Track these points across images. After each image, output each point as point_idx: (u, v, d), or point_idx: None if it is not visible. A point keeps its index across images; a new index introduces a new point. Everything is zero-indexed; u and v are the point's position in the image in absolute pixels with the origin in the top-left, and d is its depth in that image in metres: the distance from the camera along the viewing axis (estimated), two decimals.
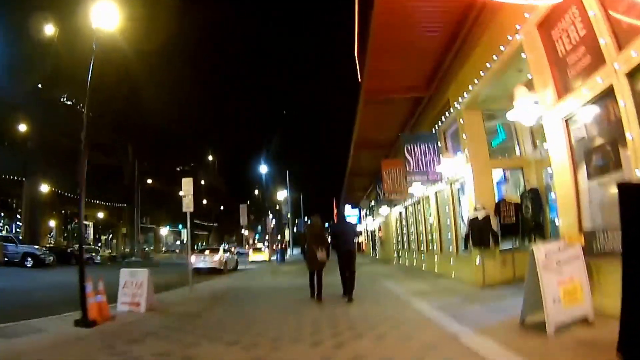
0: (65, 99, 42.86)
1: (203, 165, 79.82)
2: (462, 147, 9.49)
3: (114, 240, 63.28)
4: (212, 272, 19.49)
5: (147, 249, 56.77)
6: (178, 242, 75.03)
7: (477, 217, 8.53)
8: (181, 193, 11.38)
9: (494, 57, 7.41)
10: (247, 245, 64.89)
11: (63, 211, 51.75)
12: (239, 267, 24.22)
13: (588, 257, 4.81)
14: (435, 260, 12.34)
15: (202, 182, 78.07)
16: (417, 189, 12.70)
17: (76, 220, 52.48)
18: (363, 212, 36.44)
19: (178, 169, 69.02)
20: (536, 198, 8.28)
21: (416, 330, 5.21)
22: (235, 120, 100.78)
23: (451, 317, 5.75)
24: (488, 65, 7.71)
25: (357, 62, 10.86)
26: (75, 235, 52.70)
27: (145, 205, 59.29)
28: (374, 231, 28.88)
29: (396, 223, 19.07)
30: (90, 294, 6.51)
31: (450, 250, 11.13)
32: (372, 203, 27.53)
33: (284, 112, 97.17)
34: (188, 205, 11.11)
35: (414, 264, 15.22)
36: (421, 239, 14.42)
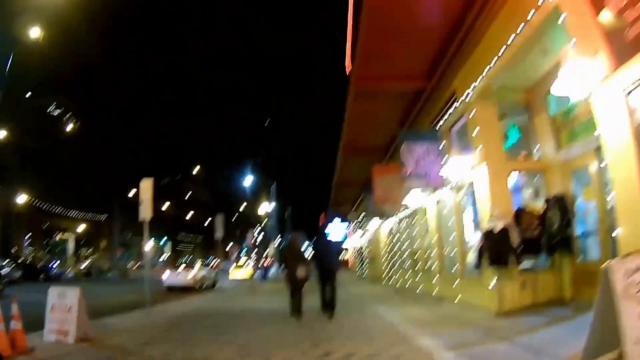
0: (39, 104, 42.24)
1: (189, 177, 78.54)
2: (473, 146, 7.97)
3: (95, 255, 60.53)
4: (186, 290, 17.88)
5: (127, 264, 53.69)
6: (162, 259, 72.67)
7: (492, 230, 6.95)
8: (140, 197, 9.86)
9: (518, 29, 5.95)
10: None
11: (44, 225, 49.86)
12: (217, 285, 22.43)
13: None
14: (434, 281, 10.72)
15: (188, 194, 78.19)
16: (414, 198, 11.19)
17: (56, 234, 51.36)
18: (351, 227, 34.73)
19: (164, 181, 66.51)
20: (563, 207, 6.77)
21: None
22: (222, 131, 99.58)
23: None
24: (508, 42, 6.25)
25: (348, 46, 9.24)
26: (57, 250, 51.56)
27: (127, 218, 57.44)
28: (362, 247, 27.17)
29: (387, 238, 17.47)
30: None
31: (454, 269, 9.53)
32: (361, 216, 25.91)
33: (267, 120, 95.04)
34: (145, 211, 9.55)
35: (408, 285, 13.59)
36: (416, 256, 12.83)
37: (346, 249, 44.34)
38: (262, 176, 52.56)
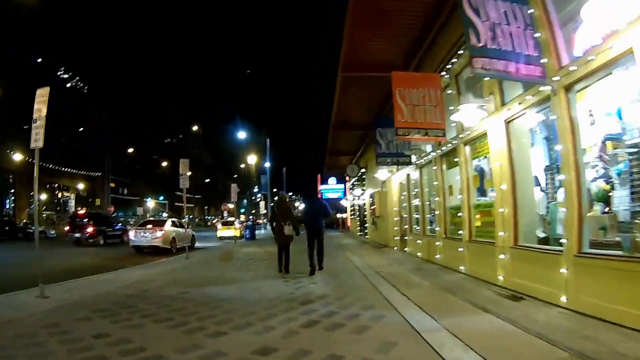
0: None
1: (190, 136, 79.59)
2: None
3: None
4: (157, 252, 15.84)
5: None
6: (164, 214, 71.18)
7: None
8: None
9: None
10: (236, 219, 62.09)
11: (48, 185, 50.78)
12: (197, 245, 19.98)
13: None
14: (501, 256, 6.46)
15: (189, 153, 76.87)
16: (469, 114, 6.83)
17: (60, 194, 50.75)
18: (349, 184, 30.48)
19: (166, 140, 72.57)
20: None
21: None
22: (221, 90, 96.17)
23: None
24: None
25: None
26: (62, 209, 51.24)
27: (129, 176, 59.06)
28: (363, 206, 22.90)
29: (400, 193, 13.21)
30: None
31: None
32: (363, 170, 21.57)
33: (248, 71, 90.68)
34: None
35: (438, 256, 9.43)
36: (458, 217, 8.58)
37: (341, 211, 40.63)
38: (257, 134, 49.33)
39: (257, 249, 16.94)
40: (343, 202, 39.07)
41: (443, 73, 8.48)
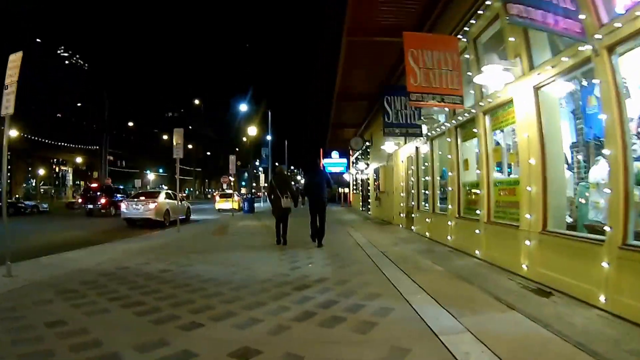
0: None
1: (192, 110, 79.80)
2: None
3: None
4: (150, 224, 15.40)
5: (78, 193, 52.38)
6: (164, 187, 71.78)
7: None
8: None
9: None
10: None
11: (51, 160, 51.63)
12: (192, 218, 19.54)
13: None
14: (528, 242, 5.68)
15: (190, 127, 77.11)
16: (494, 76, 5.93)
17: (57, 168, 50.83)
18: (352, 158, 29.59)
19: (168, 114, 73.25)
20: None
21: None
22: (223, 63, 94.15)
23: None
24: None
25: None
26: (60, 183, 51.34)
27: (128, 150, 59.35)
28: (367, 180, 22.08)
29: (408, 167, 12.37)
30: None
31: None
32: (367, 143, 20.65)
33: (247, 45, 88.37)
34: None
35: (444, 236, 8.69)
36: (475, 194, 7.78)
37: (343, 185, 39.90)
38: (259, 106, 48.74)
39: (254, 222, 16.28)
40: (345, 176, 38.35)
41: (459, 37, 7.51)
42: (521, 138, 5.89)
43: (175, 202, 17.49)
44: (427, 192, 10.23)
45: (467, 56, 7.53)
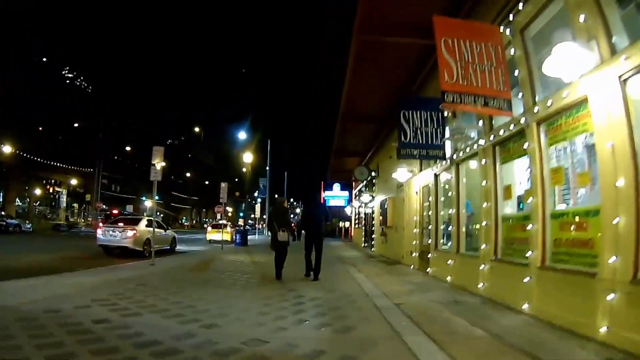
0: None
1: (192, 138, 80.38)
2: None
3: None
4: (129, 254, 13.53)
5: (99, 218, 50.25)
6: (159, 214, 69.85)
7: None
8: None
9: None
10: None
11: (44, 180, 50.44)
12: (178, 248, 17.63)
13: None
14: (597, 293, 3.91)
15: (189, 155, 79.93)
16: (571, 60, 4.26)
17: (52, 189, 50.08)
18: (355, 190, 27.82)
19: (168, 142, 71.04)
20: None
21: None
22: (223, 92, 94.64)
23: None
24: None
25: None
26: (56, 204, 50.31)
27: (124, 174, 59.08)
28: (371, 214, 20.18)
29: (423, 199, 10.57)
30: None
31: None
32: (373, 173, 18.92)
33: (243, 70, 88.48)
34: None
35: (474, 283, 6.83)
36: (521, 231, 6.01)
37: (344, 219, 38.01)
38: (259, 136, 47.99)
39: (242, 257, 14.36)
40: (347, 210, 36.52)
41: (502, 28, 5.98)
42: (602, 151, 4.17)
43: (160, 231, 15.91)
44: (450, 227, 8.40)
45: (513, 52, 5.92)
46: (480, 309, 5.76)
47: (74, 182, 55.17)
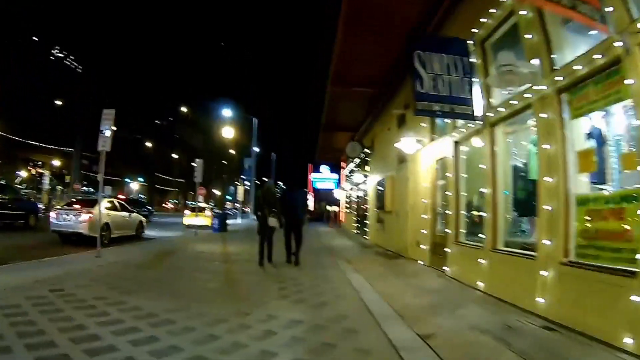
0: None
1: (181, 120, 77.54)
2: None
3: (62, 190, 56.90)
4: (84, 240, 11.16)
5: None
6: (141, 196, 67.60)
7: None
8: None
9: None
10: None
11: (30, 162, 49.10)
12: (146, 234, 15.47)
13: None
14: None
15: (175, 135, 76.92)
16: None
17: (35, 170, 50.08)
18: (346, 171, 25.53)
19: (156, 122, 70.41)
20: None
21: None
22: (212, 73, 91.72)
23: None
24: None
25: None
26: (39, 186, 47.92)
27: (107, 154, 55.80)
28: (365, 197, 17.92)
29: (437, 176, 8.35)
30: None
31: None
32: (367, 150, 16.63)
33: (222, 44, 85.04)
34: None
35: (528, 297, 4.70)
36: (603, 218, 3.83)
37: (338, 201, 35.85)
38: (247, 115, 45.23)
39: (216, 246, 12.16)
40: (335, 193, 34.36)
41: None
42: None
43: (123, 214, 13.62)
44: (482, 213, 6.19)
45: None
46: (557, 346, 3.61)
47: (56, 163, 52.43)
